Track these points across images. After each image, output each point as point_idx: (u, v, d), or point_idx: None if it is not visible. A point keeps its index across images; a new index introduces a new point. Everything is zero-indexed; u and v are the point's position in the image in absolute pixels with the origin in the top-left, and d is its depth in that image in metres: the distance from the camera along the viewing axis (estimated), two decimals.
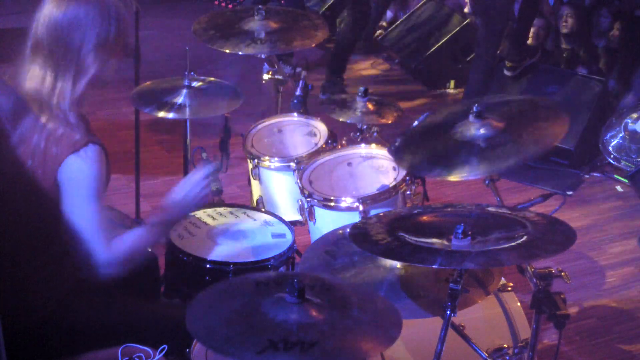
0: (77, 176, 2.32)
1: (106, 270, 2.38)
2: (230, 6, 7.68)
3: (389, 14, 7.16)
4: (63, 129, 2.31)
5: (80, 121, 2.36)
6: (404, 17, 6.92)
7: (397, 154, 2.65)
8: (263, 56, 3.75)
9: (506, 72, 5.82)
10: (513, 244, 2.12)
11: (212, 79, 3.44)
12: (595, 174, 5.28)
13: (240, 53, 3.48)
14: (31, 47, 2.38)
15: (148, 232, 2.51)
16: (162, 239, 2.80)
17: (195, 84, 3.33)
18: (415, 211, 2.50)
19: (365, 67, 6.89)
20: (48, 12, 2.36)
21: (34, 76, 2.35)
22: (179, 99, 3.27)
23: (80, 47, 2.34)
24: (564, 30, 5.96)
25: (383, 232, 2.26)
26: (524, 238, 2.14)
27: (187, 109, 3.24)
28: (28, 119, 2.33)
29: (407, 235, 2.22)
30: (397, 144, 2.64)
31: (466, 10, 6.64)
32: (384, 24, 7.15)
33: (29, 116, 2.32)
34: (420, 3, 6.89)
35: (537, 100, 2.67)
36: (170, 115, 3.22)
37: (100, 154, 2.36)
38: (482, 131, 2.46)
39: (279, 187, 3.35)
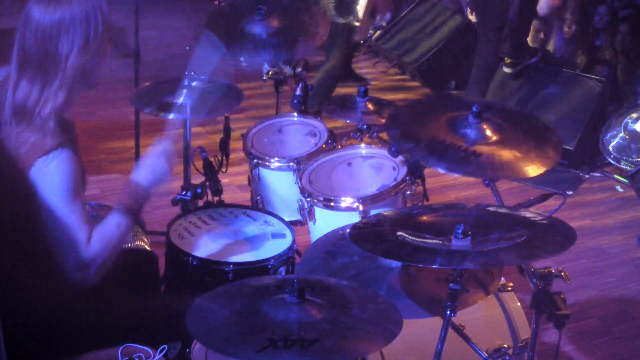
0: (49, 178, 2.28)
1: (87, 270, 2.34)
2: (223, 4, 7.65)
3: (388, 15, 7.15)
4: (37, 135, 2.27)
5: (57, 126, 2.30)
6: (399, 17, 6.91)
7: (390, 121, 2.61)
8: None
9: (505, 70, 5.82)
10: (513, 244, 2.12)
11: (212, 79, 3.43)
12: (595, 174, 5.28)
13: (241, 59, 3.49)
14: (20, 59, 2.32)
15: (120, 221, 2.44)
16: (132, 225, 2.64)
17: (195, 83, 3.33)
18: (415, 211, 2.50)
19: (364, 68, 6.88)
20: (35, 21, 2.29)
21: (22, 89, 2.30)
22: (179, 99, 3.27)
23: (69, 53, 2.29)
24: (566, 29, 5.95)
25: (383, 232, 2.26)
26: (524, 238, 2.14)
27: (187, 109, 3.24)
28: (7, 129, 2.30)
29: (407, 235, 2.22)
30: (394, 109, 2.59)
31: (469, 15, 6.63)
32: (383, 24, 7.14)
33: (10, 126, 2.29)
34: (414, 4, 6.88)
35: (549, 137, 2.60)
36: (171, 116, 3.21)
37: (71, 157, 2.30)
38: (473, 133, 2.45)
39: (279, 187, 3.35)
